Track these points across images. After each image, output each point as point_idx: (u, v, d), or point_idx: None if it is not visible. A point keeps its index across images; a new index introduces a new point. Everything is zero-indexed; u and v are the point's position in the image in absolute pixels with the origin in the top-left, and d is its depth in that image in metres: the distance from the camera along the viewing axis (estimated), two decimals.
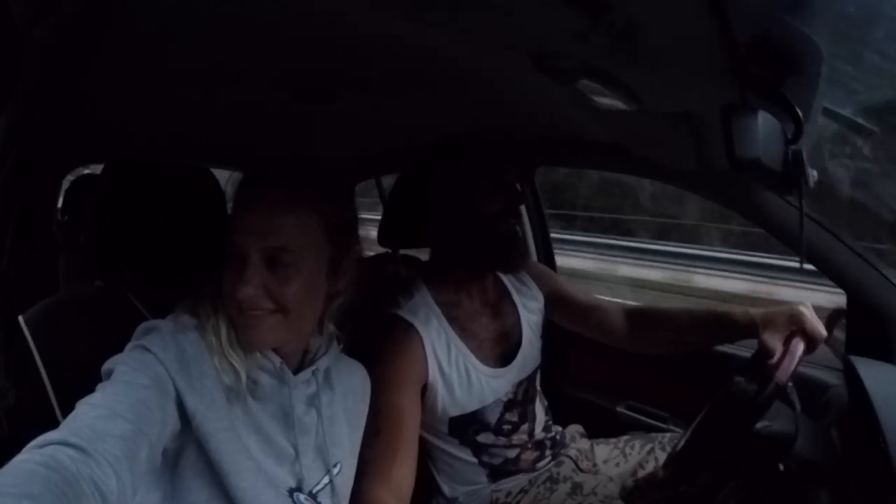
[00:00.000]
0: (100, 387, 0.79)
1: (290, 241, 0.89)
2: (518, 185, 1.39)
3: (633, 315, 1.51)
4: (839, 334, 1.26)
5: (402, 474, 1.19)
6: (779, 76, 0.73)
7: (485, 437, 1.37)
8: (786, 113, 0.77)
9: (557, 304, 1.55)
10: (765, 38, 0.68)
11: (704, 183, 1.32)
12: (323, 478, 0.99)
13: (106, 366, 0.82)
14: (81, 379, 0.80)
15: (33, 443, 0.66)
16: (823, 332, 1.14)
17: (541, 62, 0.84)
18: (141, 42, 0.85)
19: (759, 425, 1.00)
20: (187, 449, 0.86)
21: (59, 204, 2.35)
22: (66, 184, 2.34)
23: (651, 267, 7.93)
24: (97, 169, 2.19)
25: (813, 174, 0.82)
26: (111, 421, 0.72)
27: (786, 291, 6.05)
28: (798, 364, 1.06)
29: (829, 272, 1.19)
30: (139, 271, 1.14)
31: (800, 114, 0.76)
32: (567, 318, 1.56)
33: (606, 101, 0.97)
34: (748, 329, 1.25)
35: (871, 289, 1.14)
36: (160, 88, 1.09)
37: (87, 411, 0.73)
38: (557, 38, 0.75)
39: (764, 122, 0.76)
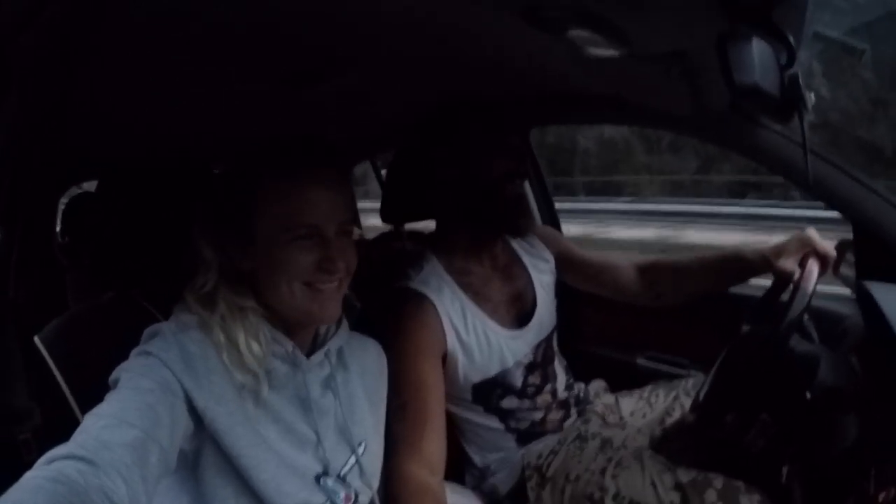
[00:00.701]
0: (107, 396, 0.79)
1: (351, 212, 0.96)
2: (521, 147, 1.38)
3: (646, 269, 1.52)
4: (846, 269, 1.26)
5: (433, 446, 1.19)
6: (768, 4, 0.72)
7: (509, 402, 1.38)
8: (777, 39, 0.76)
9: (568, 265, 1.56)
10: None
11: (701, 126, 1.31)
12: (349, 459, 1.00)
13: (112, 375, 0.83)
14: (105, 390, 0.81)
15: (41, 459, 0.67)
16: (833, 251, 1.19)
17: (530, 14, 0.83)
18: (126, 41, 0.84)
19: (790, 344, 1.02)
20: (205, 448, 0.86)
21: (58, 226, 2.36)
22: (61, 206, 2.34)
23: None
24: (90, 186, 2.20)
25: (811, 97, 0.82)
26: (118, 429, 0.72)
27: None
28: (817, 280, 1.10)
29: (833, 202, 1.18)
30: (148, 276, 1.14)
31: (791, 39, 0.75)
32: (580, 278, 1.57)
33: (597, 50, 0.96)
34: (760, 264, 1.27)
35: (878, 216, 1.14)
36: (148, 88, 1.08)
37: (94, 422, 0.73)
38: None
39: (758, 49, 0.75)
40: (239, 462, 0.86)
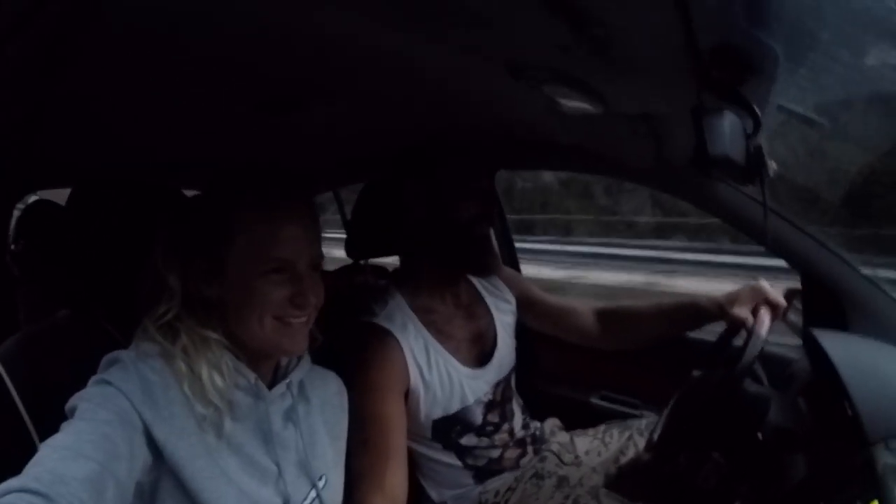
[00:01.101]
0: (63, 426, 0.77)
1: (320, 247, 0.96)
2: (490, 190, 1.41)
3: (605, 314, 1.58)
4: (793, 315, 1.34)
5: (396, 481, 1.20)
6: (738, 78, 0.78)
7: (468, 440, 1.39)
8: (744, 111, 0.83)
9: (529, 307, 1.60)
10: (726, 45, 0.74)
11: (662, 178, 1.39)
12: (309, 492, 0.99)
13: (69, 403, 0.80)
14: (63, 415, 0.79)
15: None
16: (783, 300, 1.27)
17: (517, 71, 0.88)
18: (104, 55, 0.83)
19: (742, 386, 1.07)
20: (163, 481, 0.84)
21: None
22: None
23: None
24: (47, 194, 2.11)
25: (772, 165, 0.89)
26: (73, 462, 0.70)
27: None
28: (769, 327, 1.17)
29: (786, 254, 1.27)
30: (109, 295, 1.11)
31: (757, 111, 0.82)
32: (540, 320, 1.61)
33: (572, 103, 1.01)
34: (715, 312, 1.34)
35: (825, 267, 1.23)
36: (120, 103, 1.07)
37: (49, 454, 0.71)
38: (540, 50, 0.78)
39: (728, 120, 0.81)
40: (199, 496, 0.84)
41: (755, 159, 0.87)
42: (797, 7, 0.68)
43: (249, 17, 0.74)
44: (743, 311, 1.27)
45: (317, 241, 0.96)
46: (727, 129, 0.80)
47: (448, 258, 1.36)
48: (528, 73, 0.88)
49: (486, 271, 1.45)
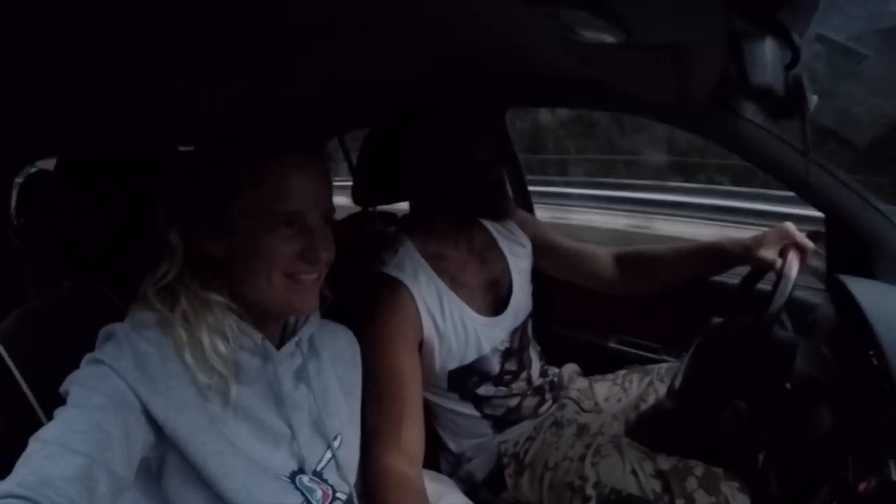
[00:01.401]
0: (56, 413, 0.74)
1: (331, 199, 0.92)
2: (504, 130, 1.35)
3: (624, 259, 1.53)
4: (816, 261, 1.30)
5: (412, 437, 1.17)
6: (774, 3, 0.71)
7: (485, 389, 1.38)
8: (782, 39, 0.75)
9: (546, 252, 1.55)
10: None
11: (683, 115, 1.32)
12: (325, 453, 0.97)
13: (63, 387, 0.78)
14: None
15: None
16: (811, 243, 1.22)
17: None
18: (86, 13, 0.77)
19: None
20: (169, 456, 0.82)
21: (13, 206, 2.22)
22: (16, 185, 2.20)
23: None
24: (48, 164, 2.08)
25: (813, 98, 0.82)
26: (61, 459, 0.68)
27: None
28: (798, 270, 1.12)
29: (809, 195, 1.21)
30: (111, 264, 1.08)
31: (796, 40, 0.75)
32: (557, 266, 1.57)
33: (591, 32, 0.94)
34: (740, 255, 1.30)
35: (851, 210, 1.17)
36: (108, 62, 1.01)
37: (38, 450, 0.68)
38: None
39: (769, 48, 0.74)
40: (205, 471, 0.82)
41: (794, 92, 0.80)
42: None
43: None
44: (770, 254, 1.23)
45: (328, 193, 0.92)
46: (769, 56, 0.73)
47: (461, 202, 1.31)
48: None
49: (501, 215, 1.39)
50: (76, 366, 0.80)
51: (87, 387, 0.76)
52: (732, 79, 0.85)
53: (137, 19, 0.82)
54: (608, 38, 0.91)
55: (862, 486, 0.83)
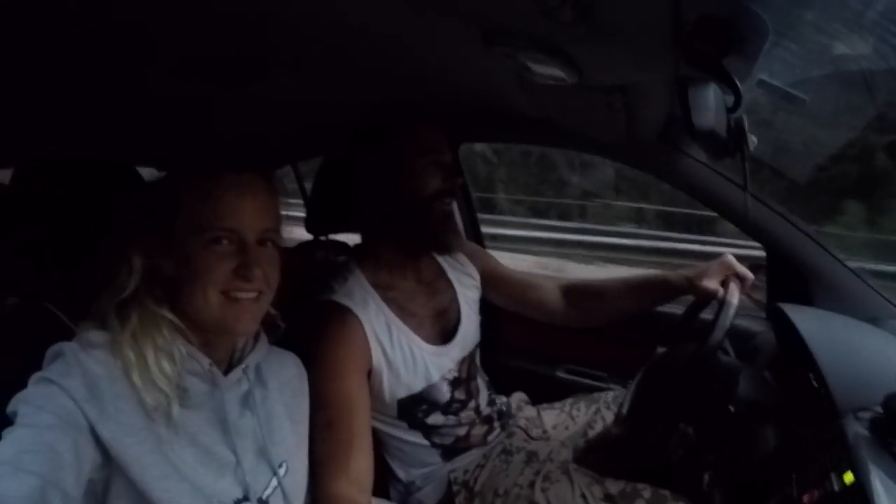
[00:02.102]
0: (4, 434, 0.72)
1: (276, 222, 0.93)
2: (455, 163, 1.37)
3: (571, 290, 1.56)
4: (755, 290, 1.36)
5: (361, 464, 1.16)
6: (721, 52, 0.77)
7: (434, 419, 1.37)
8: (726, 84, 0.81)
9: (494, 283, 1.57)
10: (711, 17, 0.71)
11: (630, 153, 1.38)
12: (270, 481, 0.96)
13: (10, 406, 0.76)
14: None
15: None
16: (750, 274, 1.27)
17: (493, 37, 0.84)
18: (45, 24, 0.77)
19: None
20: (115, 478, 0.80)
21: None
22: None
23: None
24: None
25: (753, 139, 0.88)
26: (14, 479, 0.67)
27: None
28: (739, 298, 1.17)
29: (749, 228, 1.28)
30: (59, 280, 1.04)
31: (738, 85, 0.80)
32: (504, 297, 1.59)
33: (546, 73, 0.98)
34: (683, 287, 1.34)
35: (790, 242, 1.25)
36: (65, 77, 0.99)
37: None
38: (522, 14, 0.74)
39: (713, 93, 0.80)
40: (150, 495, 0.80)
41: (737, 134, 0.86)
42: None
43: None
44: (712, 284, 1.28)
45: (269, 214, 0.93)
46: (712, 101, 0.79)
47: (408, 235, 1.32)
48: (505, 40, 0.84)
49: (446, 249, 1.40)
50: (22, 385, 0.77)
51: (36, 406, 0.75)
52: (678, 120, 0.91)
53: (97, 37, 0.82)
54: (562, 80, 0.96)
55: (806, 499, 0.87)
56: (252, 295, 0.90)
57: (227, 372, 0.94)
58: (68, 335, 0.85)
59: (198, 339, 0.90)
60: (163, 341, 0.86)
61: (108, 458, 0.78)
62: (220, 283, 0.87)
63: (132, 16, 0.77)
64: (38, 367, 0.80)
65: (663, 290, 1.42)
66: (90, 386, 0.78)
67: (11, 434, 0.72)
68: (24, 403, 0.75)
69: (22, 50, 0.81)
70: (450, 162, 1.32)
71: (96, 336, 0.84)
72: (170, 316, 0.88)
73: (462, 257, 1.54)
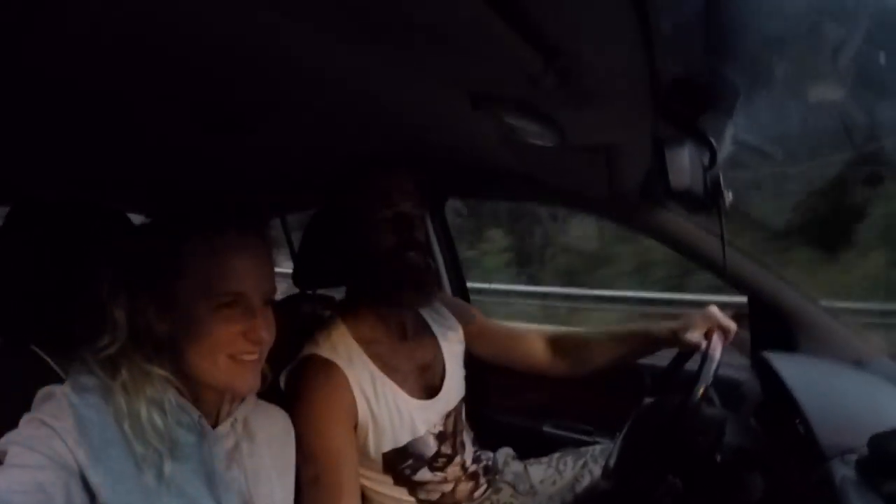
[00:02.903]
0: None
1: (274, 281, 0.94)
2: (420, 216, 1.36)
3: (555, 341, 1.57)
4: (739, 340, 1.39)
5: None
6: (697, 111, 0.81)
7: (421, 475, 1.36)
8: (702, 143, 0.85)
9: (477, 337, 1.57)
10: (686, 79, 0.76)
11: (612, 208, 1.41)
12: None
13: (0, 445, 0.75)
14: None
15: None
16: (734, 325, 1.29)
17: (479, 100, 0.87)
18: (41, 74, 0.79)
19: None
20: None
21: None
22: None
23: None
24: None
25: (729, 196, 0.92)
26: None
27: None
28: (722, 350, 1.19)
29: (730, 279, 1.31)
30: (45, 323, 1.04)
31: (714, 143, 0.85)
32: (489, 350, 1.58)
33: (529, 135, 1.01)
34: (668, 338, 1.36)
35: (772, 291, 1.28)
36: (63, 124, 1.01)
37: None
38: (506, 80, 0.78)
39: (689, 152, 0.84)
40: None
41: (713, 190, 0.90)
42: (754, 44, 0.71)
43: (197, 36, 0.71)
44: (696, 336, 1.30)
45: (270, 274, 0.94)
46: (688, 161, 0.83)
47: (378, 291, 1.31)
48: (491, 104, 0.88)
49: (417, 303, 1.37)
50: (6, 425, 0.77)
51: (26, 447, 0.74)
52: (660, 183, 0.94)
53: (91, 84, 0.84)
54: (545, 141, 0.99)
55: None
56: (256, 356, 0.90)
57: (215, 425, 0.93)
58: (53, 379, 0.85)
59: (188, 391, 0.90)
60: (154, 392, 0.85)
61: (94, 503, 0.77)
62: (229, 348, 0.88)
63: (129, 65, 0.79)
64: (22, 410, 0.79)
65: (647, 341, 1.43)
66: (82, 430, 0.78)
67: (2, 472, 0.71)
68: (15, 444, 0.74)
69: (17, 92, 0.83)
70: (412, 213, 1.29)
71: (88, 381, 0.83)
72: (162, 373, 0.87)
73: (446, 312, 1.54)
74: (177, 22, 0.67)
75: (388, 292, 1.30)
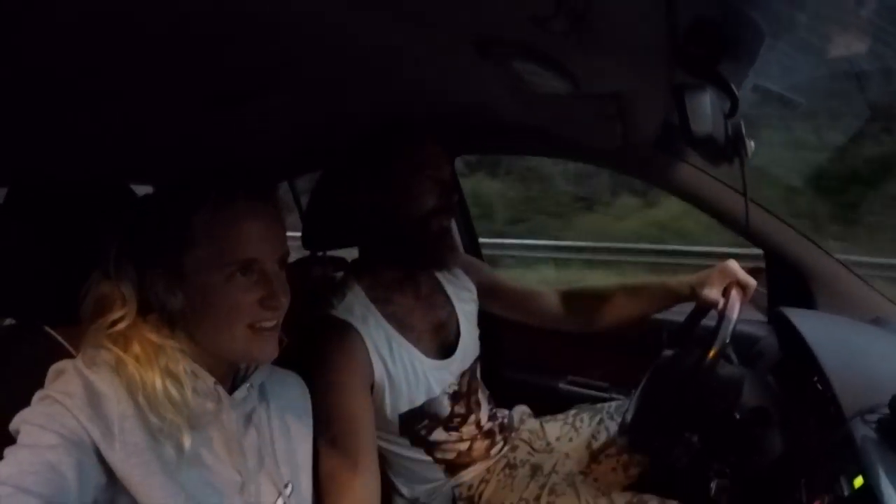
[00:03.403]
0: (6, 452, 0.71)
1: (286, 244, 0.92)
2: (450, 180, 1.35)
3: (570, 296, 1.55)
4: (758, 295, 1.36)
5: (367, 480, 1.15)
6: (715, 56, 0.76)
7: (436, 435, 1.36)
8: (721, 89, 0.81)
9: (491, 294, 1.56)
10: (704, 21, 0.71)
11: (626, 160, 1.38)
12: (276, 501, 0.94)
13: (13, 424, 0.74)
14: (8, 434, 0.74)
15: None
16: (753, 280, 1.25)
17: (486, 47, 0.83)
18: (35, 48, 0.76)
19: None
20: (119, 499, 0.78)
21: None
22: None
23: None
24: None
25: (751, 144, 0.88)
26: (15, 500, 0.66)
27: None
28: (741, 307, 1.15)
29: (749, 234, 1.28)
30: (56, 301, 1.03)
31: (735, 90, 0.80)
32: (503, 306, 1.58)
33: (541, 83, 0.97)
34: (684, 293, 1.33)
35: (790, 246, 1.24)
36: (57, 95, 0.99)
37: None
38: (515, 22, 0.73)
39: (710, 99, 0.79)
40: None
41: (734, 138, 0.86)
42: None
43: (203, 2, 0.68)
44: (713, 293, 1.27)
45: (282, 238, 0.92)
46: (709, 107, 0.79)
47: (403, 253, 1.30)
48: (498, 50, 0.84)
49: (443, 267, 1.40)
50: (20, 403, 0.76)
51: (38, 425, 0.73)
52: (674, 126, 0.90)
53: (91, 53, 0.82)
54: (557, 90, 0.95)
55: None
56: (274, 322, 0.89)
57: (231, 391, 0.92)
58: (65, 356, 0.83)
59: (205, 360, 0.89)
60: (168, 363, 0.84)
61: (112, 479, 0.77)
62: (248, 317, 0.86)
63: (128, 36, 0.77)
64: (34, 389, 0.78)
65: (664, 295, 1.41)
66: (94, 405, 0.77)
67: (14, 453, 0.70)
68: (27, 423, 0.73)
69: (14, 69, 0.81)
70: (447, 178, 1.30)
71: (100, 355, 0.82)
72: (176, 345, 0.86)
73: (459, 271, 1.53)
74: None
75: (415, 255, 1.29)
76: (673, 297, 1.38)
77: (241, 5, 0.71)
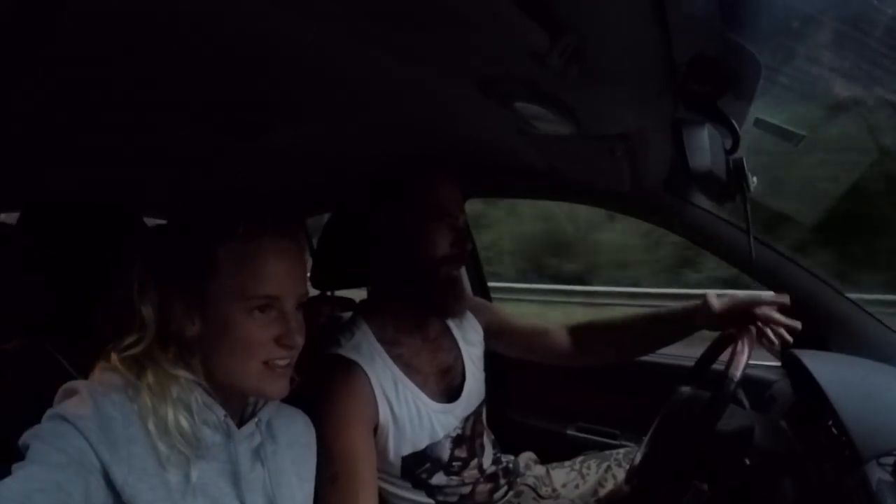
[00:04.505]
0: (15, 468, 0.71)
1: (306, 286, 0.92)
2: (465, 227, 1.35)
3: (578, 331, 1.52)
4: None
5: None
6: (716, 92, 0.77)
7: (438, 479, 1.33)
8: (723, 125, 0.81)
9: (499, 334, 1.54)
10: (704, 57, 0.72)
11: (636, 204, 1.37)
12: None
13: (22, 439, 0.74)
14: (11, 451, 0.73)
15: None
16: (779, 316, 1.18)
17: (487, 86, 0.85)
18: (57, 75, 0.79)
19: (720, 424, 1.04)
20: None
21: None
22: None
23: None
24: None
25: (753, 180, 0.88)
26: None
27: None
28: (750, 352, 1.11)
29: (756, 274, 1.26)
30: (64, 325, 1.04)
31: (736, 125, 0.81)
32: (511, 347, 1.56)
33: (544, 125, 0.98)
34: (700, 321, 1.30)
35: (799, 284, 1.22)
36: (81, 125, 1.02)
37: None
38: (511, 60, 0.75)
39: (709, 134, 0.80)
40: None
41: (736, 174, 0.86)
42: (775, 14, 0.68)
43: (219, 36, 0.71)
44: (730, 326, 1.23)
45: (304, 277, 0.93)
46: (708, 142, 0.79)
47: (413, 298, 1.30)
48: (500, 88, 0.85)
49: (447, 316, 1.37)
50: (24, 425, 0.76)
51: (48, 444, 0.73)
52: (681, 169, 0.91)
53: (109, 84, 0.84)
54: (560, 131, 0.96)
55: None
56: (288, 361, 0.89)
57: (240, 424, 0.92)
58: (67, 378, 0.83)
59: (217, 392, 0.89)
60: (180, 393, 0.84)
61: (119, 502, 0.76)
62: (263, 354, 0.87)
63: (147, 65, 0.79)
64: (38, 411, 0.78)
65: (674, 323, 1.37)
66: (104, 427, 0.77)
67: (22, 470, 0.70)
68: (37, 439, 0.73)
69: (32, 94, 0.84)
70: (462, 226, 1.30)
71: (113, 378, 0.82)
72: (189, 376, 0.86)
73: (467, 314, 1.52)
74: (198, 22, 0.67)
75: (427, 299, 1.28)
76: (685, 325, 1.34)
77: (243, 42, 0.74)
